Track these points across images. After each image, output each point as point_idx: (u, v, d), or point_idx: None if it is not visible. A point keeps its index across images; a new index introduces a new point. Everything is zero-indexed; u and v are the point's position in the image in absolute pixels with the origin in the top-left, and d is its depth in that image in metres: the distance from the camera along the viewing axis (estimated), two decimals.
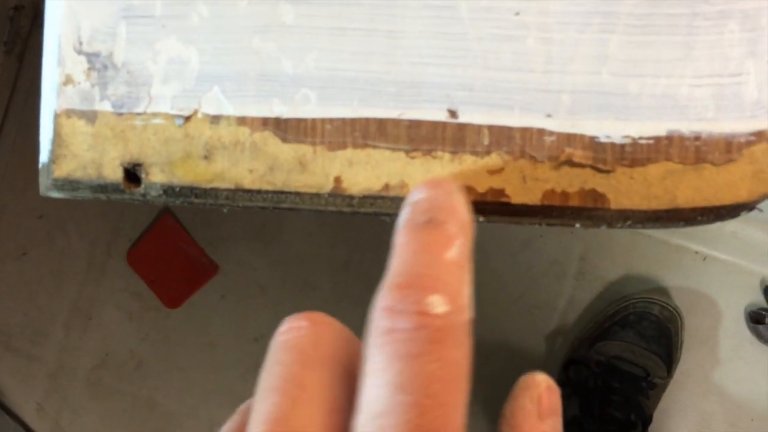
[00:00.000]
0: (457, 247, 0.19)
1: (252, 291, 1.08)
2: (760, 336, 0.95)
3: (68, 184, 0.26)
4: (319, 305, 1.04)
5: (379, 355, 0.18)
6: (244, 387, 1.08)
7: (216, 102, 0.25)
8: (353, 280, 1.04)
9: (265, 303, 1.08)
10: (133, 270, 1.10)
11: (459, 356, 0.18)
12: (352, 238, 1.05)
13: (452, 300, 0.18)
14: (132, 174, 0.25)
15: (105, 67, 0.25)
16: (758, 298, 0.96)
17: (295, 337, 0.20)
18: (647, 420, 0.91)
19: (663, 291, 0.98)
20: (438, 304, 0.18)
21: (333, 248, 1.05)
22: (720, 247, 0.96)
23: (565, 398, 0.96)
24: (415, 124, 0.24)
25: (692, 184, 0.23)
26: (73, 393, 1.13)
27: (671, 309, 0.94)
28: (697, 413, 0.98)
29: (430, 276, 0.18)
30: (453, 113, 0.24)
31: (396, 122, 0.24)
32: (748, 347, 0.96)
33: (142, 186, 0.25)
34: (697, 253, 0.97)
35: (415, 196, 0.20)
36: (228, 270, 1.08)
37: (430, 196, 0.20)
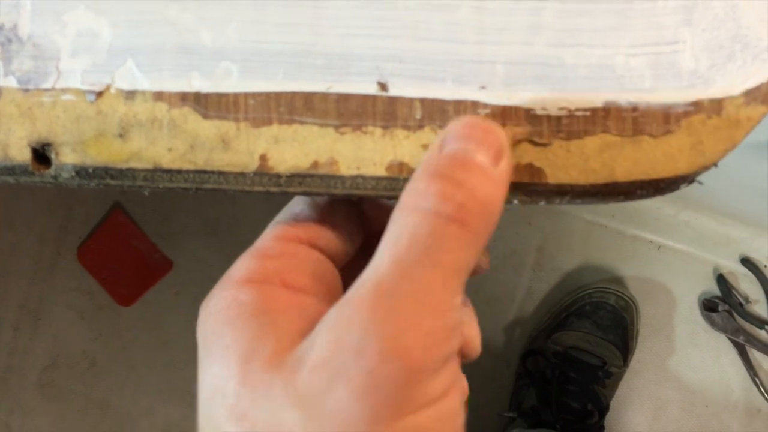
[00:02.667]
0: None
1: (207, 287, 1.04)
2: (713, 323, 0.96)
3: None
4: None
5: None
6: None
7: (130, 76, 0.23)
8: None
9: None
10: (84, 267, 1.07)
11: None
12: None
13: None
14: (41, 154, 0.23)
15: (9, 40, 0.23)
16: (711, 287, 0.97)
17: None
18: (604, 409, 0.92)
19: (618, 280, 0.98)
20: None
21: None
22: (674, 236, 0.97)
23: (524, 389, 0.96)
24: (343, 98, 0.23)
25: (630, 156, 0.22)
26: (24, 395, 1.09)
27: (626, 298, 0.95)
28: (653, 401, 0.99)
29: None
30: (383, 86, 0.23)
31: (324, 96, 0.23)
32: (702, 335, 0.98)
33: (53, 167, 0.23)
34: (651, 242, 0.98)
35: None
36: (182, 266, 1.06)
37: None
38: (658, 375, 0.99)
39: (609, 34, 0.22)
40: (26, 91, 0.23)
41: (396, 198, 0.23)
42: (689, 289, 0.98)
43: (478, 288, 1.01)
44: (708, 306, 0.96)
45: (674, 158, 0.22)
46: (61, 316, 1.09)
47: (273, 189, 0.23)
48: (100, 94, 0.23)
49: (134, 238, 1.05)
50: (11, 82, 0.23)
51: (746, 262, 0.94)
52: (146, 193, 0.24)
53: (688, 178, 0.22)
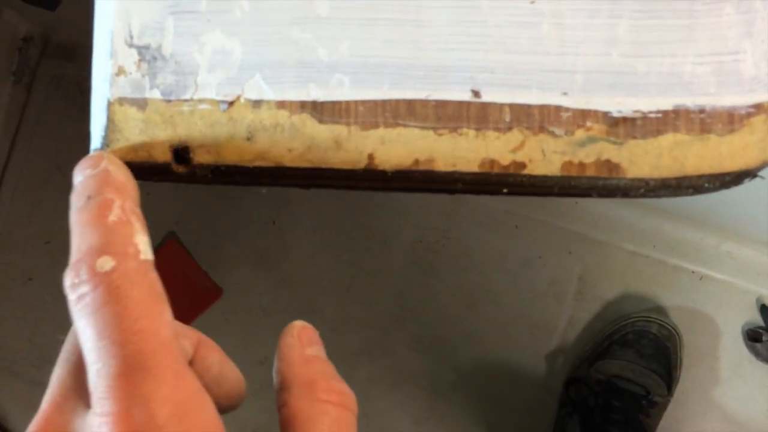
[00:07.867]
0: (116, 209, 0.22)
1: (255, 314, 1.09)
2: (757, 354, 0.96)
3: None
4: (322, 327, 1.05)
5: (79, 324, 0.21)
6: (249, 410, 1.08)
7: (257, 88, 0.27)
8: (355, 303, 1.06)
9: (268, 325, 1.09)
10: None
11: (140, 293, 0.21)
12: (354, 260, 1.06)
13: (119, 253, 0.21)
14: (180, 156, 0.27)
15: (154, 58, 0.27)
16: (755, 317, 0.97)
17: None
18: None
19: (661, 310, 0.99)
20: (106, 263, 0.21)
21: (335, 271, 1.07)
22: (716, 267, 0.98)
23: (567, 417, 0.97)
24: (441, 104, 0.26)
25: (698, 153, 0.25)
26: None
27: (669, 327, 0.95)
28: None
29: (95, 244, 0.22)
30: (476, 93, 0.26)
31: (424, 103, 0.26)
32: (747, 365, 0.98)
33: (190, 167, 0.27)
34: (693, 272, 0.99)
35: (74, 181, 0.23)
36: (232, 293, 1.09)
37: (84, 177, 0.23)
38: (702, 406, 0.99)
39: (677, 45, 0.25)
40: (168, 101, 0.27)
41: (487, 192, 0.26)
42: (732, 319, 0.98)
43: (520, 317, 1.02)
44: (752, 336, 0.96)
45: (738, 154, 0.25)
46: None
47: (378, 184, 0.27)
48: (231, 103, 0.27)
49: (186, 266, 1.09)
50: (156, 94, 0.27)
51: None
52: (264, 191, 0.28)
53: (751, 173, 0.25)
